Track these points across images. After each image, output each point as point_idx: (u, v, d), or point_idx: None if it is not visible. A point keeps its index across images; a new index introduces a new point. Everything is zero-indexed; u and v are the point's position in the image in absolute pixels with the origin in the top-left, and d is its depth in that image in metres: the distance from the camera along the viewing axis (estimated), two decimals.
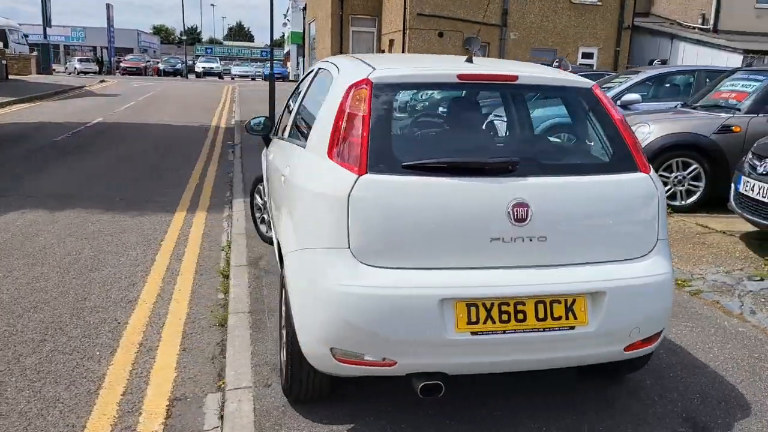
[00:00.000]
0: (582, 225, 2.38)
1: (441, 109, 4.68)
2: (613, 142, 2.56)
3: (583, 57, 21.91)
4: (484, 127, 3.33)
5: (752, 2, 22.34)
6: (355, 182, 2.28)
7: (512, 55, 20.97)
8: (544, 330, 2.27)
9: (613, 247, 2.41)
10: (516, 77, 2.61)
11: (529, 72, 2.72)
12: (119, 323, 3.62)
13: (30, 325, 3.55)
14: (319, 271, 2.31)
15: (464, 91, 3.25)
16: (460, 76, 2.56)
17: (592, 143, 2.73)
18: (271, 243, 4.41)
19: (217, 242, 5.27)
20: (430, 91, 6.08)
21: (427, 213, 2.27)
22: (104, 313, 3.74)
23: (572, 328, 2.29)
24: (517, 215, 2.28)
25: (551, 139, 3.87)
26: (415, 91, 5.60)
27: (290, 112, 3.79)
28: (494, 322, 2.25)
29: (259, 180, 4.98)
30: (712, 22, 22.55)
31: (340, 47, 24.58)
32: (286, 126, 3.72)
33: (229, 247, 4.99)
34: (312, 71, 3.65)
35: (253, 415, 2.61)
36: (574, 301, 2.30)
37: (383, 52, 23.68)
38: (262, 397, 2.74)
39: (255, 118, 4.55)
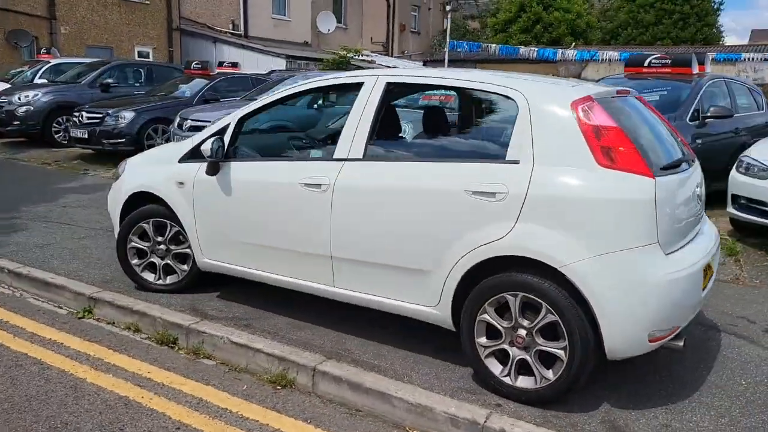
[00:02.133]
0: None
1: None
2: None
3: (139, 56, 21.67)
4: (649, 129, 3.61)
5: (269, 13, 26.08)
6: (655, 185, 2.92)
7: (67, 51, 19.22)
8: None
9: None
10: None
11: None
12: None
13: None
14: (641, 267, 2.87)
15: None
16: (620, 92, 3.58)
17: None
18: (163, 291, 4.33)
19: None
20: None
21: (679, 202, 3.18)
22: None
23: None
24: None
25: None
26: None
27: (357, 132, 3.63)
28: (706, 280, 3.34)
29: (139, 220, 4.48)
30: (242, 28, 25.33)
31: None
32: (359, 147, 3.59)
33: None
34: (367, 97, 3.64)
35: None
36: None
37: None
38: None
39: (203, 141, 4.11)
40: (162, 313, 4.18)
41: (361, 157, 3.59)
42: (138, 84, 13.87)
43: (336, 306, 3.97)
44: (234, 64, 14.78)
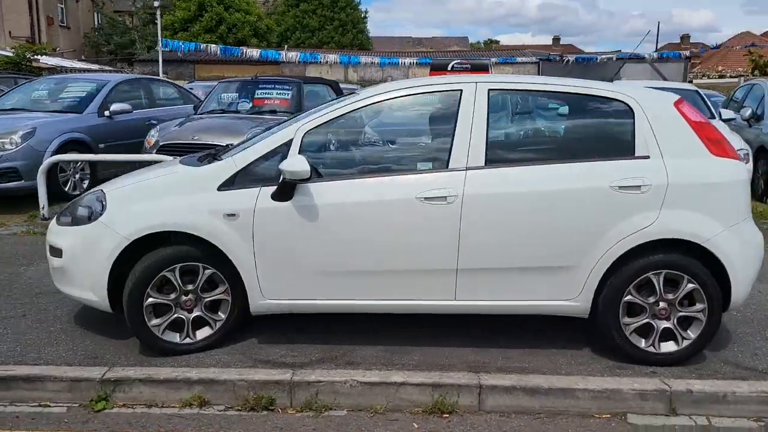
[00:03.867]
0: None
1: None
2: None
3: None
4: None
5: None
6: (743, 168, 3.70)
7: None
8: None
9: None
10: None
11: None
12: None
13: None
14: (751, 234, 3.57)
15: None
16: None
17: None
18: (192, 351, 3.66)
19: None
20: None
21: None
22: None
23: None
24: None
25: None
26: None
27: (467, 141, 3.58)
28: None
29: (161, 267, 3.55)
30: None
31: None
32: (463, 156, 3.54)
33: None
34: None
35: None
36: None
37: None
38: None
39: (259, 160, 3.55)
40: (242, 375, 3.42)
41: (483, 164, 3.54)
42: None
43: (411, 322, 3.83)
44: None
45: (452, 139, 3.58)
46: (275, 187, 3.53)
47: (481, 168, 3.54)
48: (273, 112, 8.20)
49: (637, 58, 22.25)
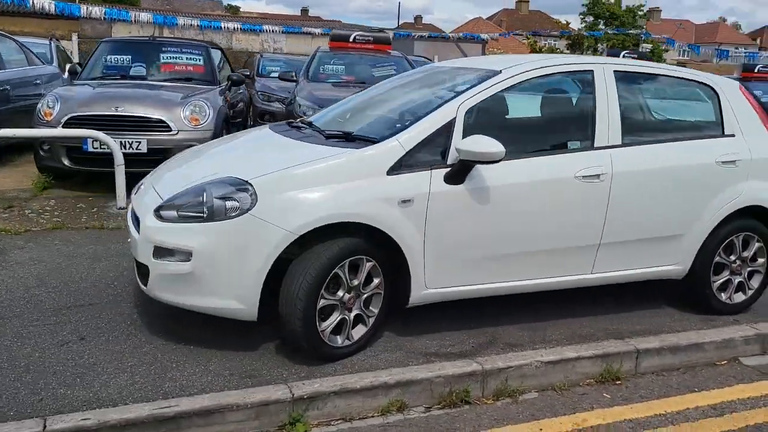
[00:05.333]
0: None
1: None
2: None
3: None
4: None
5: None
6: None
7: None
8: None
9: None
10: None
11: None
12: None
13: None
14: None
15: None
16: None
17: None
18: (352, 354, 3.32)
19: None
20: None
21: None
22: None
23: None
24: None
25: None
26: None
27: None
28: None
29: (334, 264, 3.13)
30: None
31: None
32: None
33: None
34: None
35: None
36: None
37: None
38: None
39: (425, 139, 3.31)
40: (435, 371, 3.20)
41: (620, 143, 3.73)
42: None
43: (532, 300, 3.97)
44: None
45: (594, 118, 3.71)
46: (445, 169, 3.32)
47: (619, 146, 3.74)
48: (189, 79, 7.25)
49: (443, 39, 23.87)
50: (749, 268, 4.24)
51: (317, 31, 20.76)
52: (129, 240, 3.64)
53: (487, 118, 3.56)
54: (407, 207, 3.23)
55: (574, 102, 3.95)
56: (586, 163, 3.63)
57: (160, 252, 3.11)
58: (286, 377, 3.09)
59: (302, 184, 3.13)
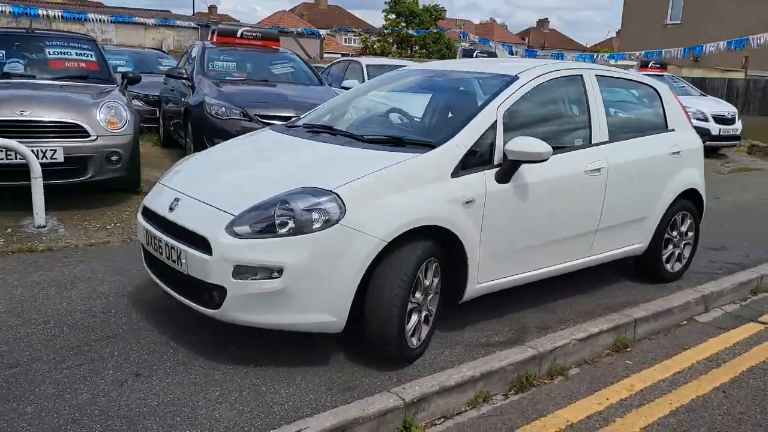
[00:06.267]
0: None
1: None
2: None
3: None
4: None
5: None
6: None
7: None
8: None
9: None
10: None
11: None
12: None
13: None
14: None
15: None
16: None
17: None
18: (422, 352, 3.40)
19: None
20: None
21: None
22: None
23: None
24: None
25: None
26: None
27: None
28: None
29: (417, 268, 3.21)
30: None
31: None
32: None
33: None
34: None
35: None
36: None
37: None
38: None
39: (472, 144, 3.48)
40: (507, 359, 3.40)
41: (607, 139, 4.22)
42: None
43: (514, 289, 4.27)
44: None
45: (589, 117, 4.15)
46: (493, 169, 3.52)
47: (608, 143, 4.23)
48: (83, 77, 6.45)
49: (284, 33, 23.48)
50: (684, 241, 5.03)
51: (151, 21, 19.29)
52: (147, 263, 3.38)
53: (517, 119, 3.81)
54: (470, 207, 3.38)
55: (575, 103, 4.36)
56: (591, 158, 4.07)
57: (242, 271, 2.91)
58: (381, 385, 3.08)
59: (384, 190, 3.13)
